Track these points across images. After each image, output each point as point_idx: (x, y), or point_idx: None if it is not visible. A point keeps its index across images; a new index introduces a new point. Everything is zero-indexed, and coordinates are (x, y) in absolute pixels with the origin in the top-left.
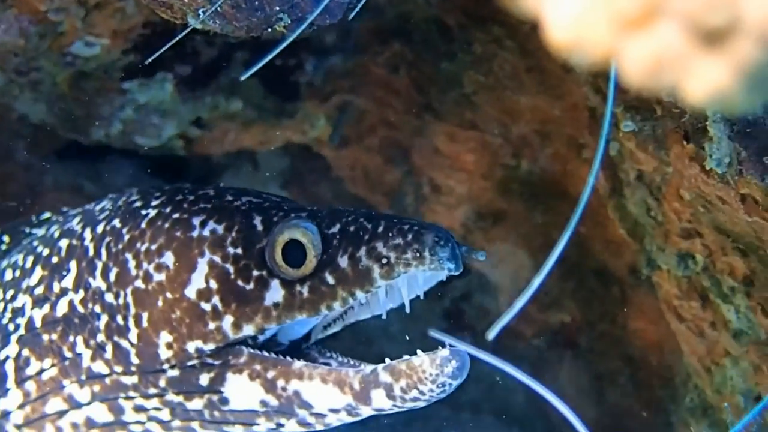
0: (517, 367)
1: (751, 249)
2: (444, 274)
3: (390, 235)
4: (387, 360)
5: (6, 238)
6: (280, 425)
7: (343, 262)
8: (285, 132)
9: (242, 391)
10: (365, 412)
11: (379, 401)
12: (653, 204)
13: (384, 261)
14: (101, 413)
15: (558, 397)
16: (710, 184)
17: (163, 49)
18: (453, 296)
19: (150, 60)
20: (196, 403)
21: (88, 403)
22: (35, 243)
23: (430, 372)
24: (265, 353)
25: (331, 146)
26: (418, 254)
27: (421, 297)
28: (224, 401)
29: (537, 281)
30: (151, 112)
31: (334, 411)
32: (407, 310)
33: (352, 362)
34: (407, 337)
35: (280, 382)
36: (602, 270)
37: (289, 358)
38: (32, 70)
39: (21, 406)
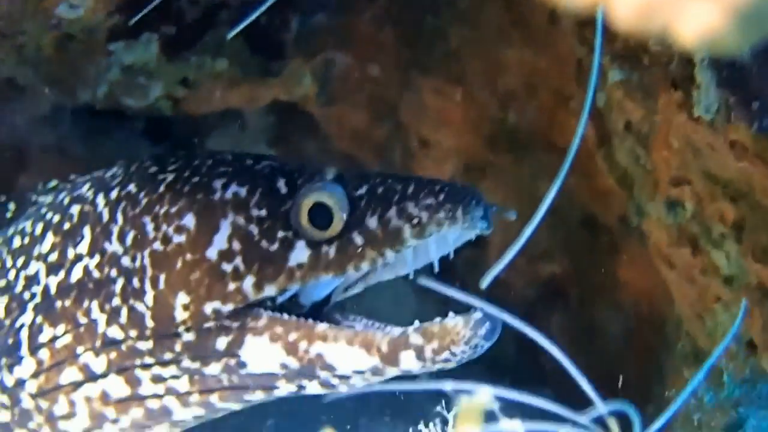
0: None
1: (740, 195)
2: (475, 234)
3: (421, 195)
4: (417, 322)
5: (12, 206)
6: (301, 387)
7: (372, 222)
8: (271, 90)
9: (261, 353)
10: (391, 373)
11: (408, 363)
12: (642, 153)
13: (415, 221)
14: (118, 386)
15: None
16: (699, 131)
17: (148, 9)
18: None
19: (135, 21)
20: (214, 368)
21: (105, 375)
22: (43, 210)
23: (464, 333)
24: (285, 316)
25: (317, 104)
26: (450, 213)
27: (451, 256)
28: (242, 365)
29: (529, 230)
30: (138, 73)
31: (359, 372)
32: (435, 269)
33: (377, 325)
34: (396, 292)
35: (303, 345)
36: (592, 220)
37: (311, 321)
38: (17, 34)
39: (35, 375)
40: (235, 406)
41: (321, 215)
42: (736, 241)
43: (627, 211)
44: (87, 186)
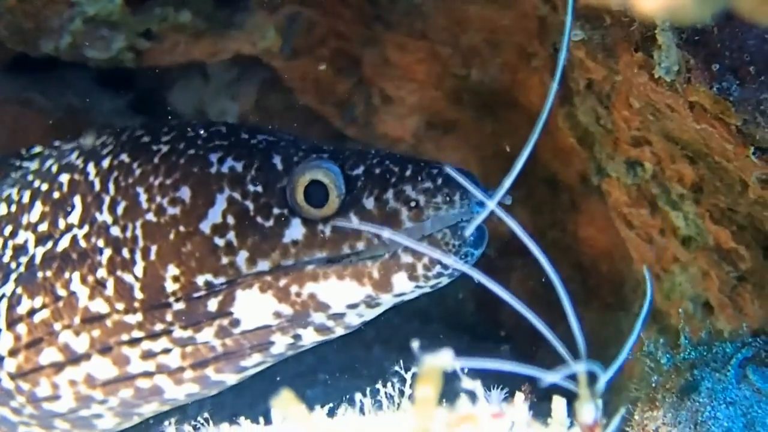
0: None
1: (699, 156)
2: (470, 217)
3: (419, 178)
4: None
5: None
6: (297, 337)
7: (369, 203)
8: (235, 43)
9: (254, 305)
10: (386, 300)
11: (401, 285)
12: (603, 112)
13: (413, 204)
14: (104, 368)
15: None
16: (659, 92)
17: None
18: None
19: None
20: (207, 333)
21: (87, 356)
22: (30, 177)
23: (453, 243)
24: None
25: (281, 57)
26: (448, 198)
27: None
28: (236, 323)
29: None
30: (101, 24)
31: (353, 306)
32: None
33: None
34: None
35: (294, 288)
36: (552, 178)
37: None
38: None
39: (13, 353)
40: (231, 379)
41: (317, 193)
42: (695, 202)
43: (587, 169)
44: (75, 154)
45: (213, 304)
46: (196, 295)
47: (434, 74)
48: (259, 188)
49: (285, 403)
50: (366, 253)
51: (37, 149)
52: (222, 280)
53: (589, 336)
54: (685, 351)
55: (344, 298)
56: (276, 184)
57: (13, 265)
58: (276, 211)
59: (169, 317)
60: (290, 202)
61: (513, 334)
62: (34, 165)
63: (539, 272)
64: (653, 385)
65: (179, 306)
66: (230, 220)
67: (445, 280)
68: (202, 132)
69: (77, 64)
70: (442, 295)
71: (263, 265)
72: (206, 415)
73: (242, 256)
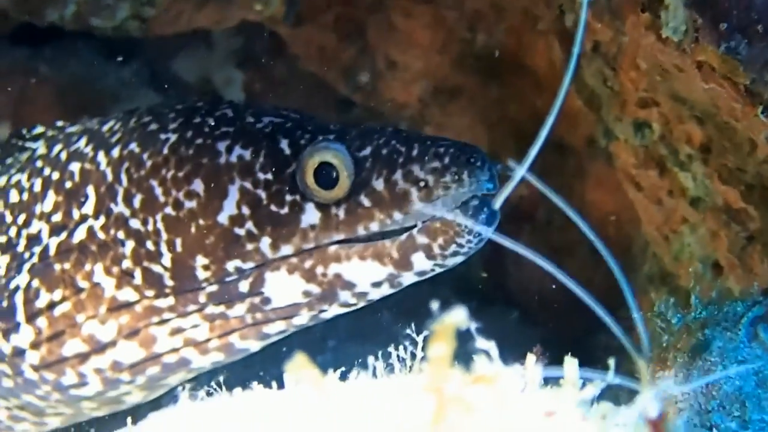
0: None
1: (707, 116)
2: (480, 194)
3: (426, 158)
4: (419, 223)
5: None
6: (322, 311)
7: (379, 185)
8: (239, 11)
9: (283, 286)
10: (407, 278)
11: (421, 263)
12: (610, 74)
13: (422, 184)
14: (130, 352)
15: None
16: (666, 52)
17: None
18: None
19: None
20: (239, 309)
21: (113, 342)
22: (39, 163)
23: (465, 223)
24: None
25: (285, 24)
26: (456, 177)
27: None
28: (267, 301)
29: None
30: None
31: (377, 285)
32: None
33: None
34: None
35: (319, 269)
36: (559, 142)
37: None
38: None
39: (35, 346)
40: (254, 345)
41: (326, 175)
42: (703, 162)
43: (594, 132)
44: (84, 140)
45: (244, 286)
46: (228, 279)
47: (439, 39)
48: (269, 176)
49: (298, 368)
50: (377, 236)
51: (40, 129)
52: (251, 264)
53: (598, 299)
54: (696, 311)
55: (368, 277)
56: (285, 169)
57: (27, 254)
58: (288, 197)
59: (202, 299)
60: (301, 187)
61: (521, 300)
62: (40, 148)
63: (547, 238)
64: (664, 345)
65: (212, 288)
66: (245, 210)
67: (461, 258)
68: (208, 118)
69: (82, 33)
70: None
71: (286, 249)
72: (220, 379)
73: (265, 242)
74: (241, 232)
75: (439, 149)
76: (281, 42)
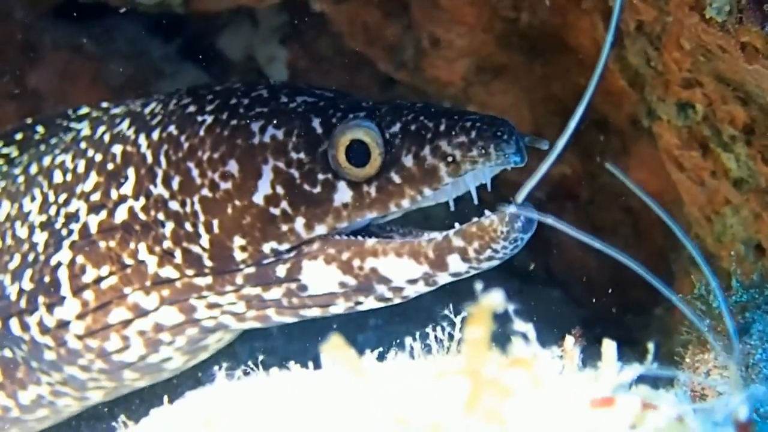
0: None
1: (751, 97)
2: (510, 167)
3: (453, 133)
4: (456, 225)
5: (40, 129)
6: (358, 303)
7: (408, 161)
8: None
9: (320, 275)
10: (442, 279)
11: (456, 266)
12: (653, 54)
13: (450, 159)
14: (171, 316)
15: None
16: (710, 32)
17: None
18: None
19: None
20: (275, 293)
21: (156, 309)
22: (83, 145)
23: (502, 230)
24: (336, 237)
25: (330, 1)
26: (483, 151)
27: (489, 188)
28: (303, 288)
29: (561, 143)
30: None
31: (412, 282)
32: (475, 201)
33: (414, 232)
34: None
35: (356, 262)
36: (603, 121)
37: (360, 238)
38: None
39: (80, 316)
40: (290, 319)
41: (358, 153)
42: (746, 143)
43: (638, 112)
44: (126, 123)
45: (282, 271)
46: (265, 261)
47: (484, 17)
48: (302, 155)
49: (334, 348)
50: (412, 233)
51: (85, 110)
52: (286, 246)
53: (640, 280)
54: (737, 293)
55: (404, 274)
56: (317, 148)
57: (64, 231)
58: (321, 176)
59: (239, 280)
60: (333, 166)
61: (563, 278)
62: (85, 129)
63: (590, 217)
64: (705, 329)
65: (250, 270)
66: (279, 190)
67: (496, 263)
68: (243, 99)
69: (127, 10)
70: None
71: (320, 228)
72: (259, 359)
73: (299, 222)
74: (276, 212)
75: (465, 123)
76: (325, 19)
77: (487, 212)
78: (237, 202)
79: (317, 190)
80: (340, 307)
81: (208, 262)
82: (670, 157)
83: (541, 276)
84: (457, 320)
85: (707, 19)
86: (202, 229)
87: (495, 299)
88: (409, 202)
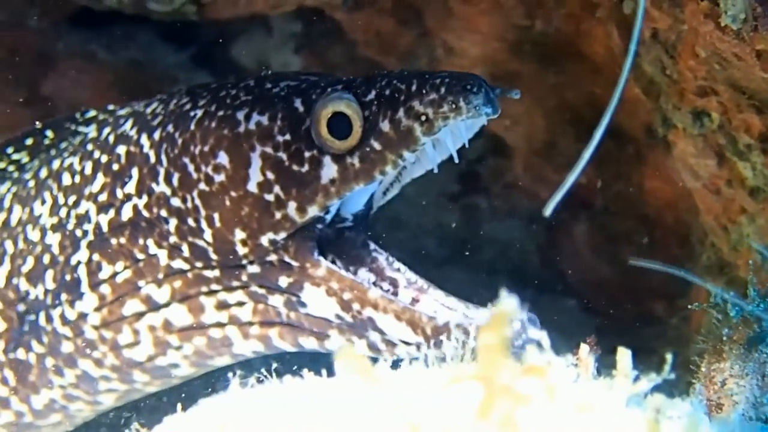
0: (532, 227)
1: (766, 105)
2: (483, 119)
3: (423, 91)
4: (460, 310)
5: (50, 133)
6: (350, 342)
7: (385, 126)
8: None
9: (319, 301)
10: (434, 353)
11: (449, 349)
12: (668, 62)
13: (423, 118)
14: (180, 315)
15: (575, 257)
16: (725, 40)
17: None
18: (468, 158)
19: None
20: (277, 299)
21: (167, 304)
22: (89, 147)
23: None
24: (343, 272)
25: (343, 9)
26: (453, 105)
27: (466, 145)
28: (302, 304)
29: (587, 154)
30: None
31: (406, 343)
32: (456, 160)
33: (420, 282)
34: (423, 202)
35: (356, 306)
36: (617, 130)
37: (365, 283)
38: None
39: (98, 309)
40: (290, 348)
41: (340, 125)
42: (762, 152)
43: (653, 120)
44: (130, 123)
45: (284, 281)
46: (267, 258)
47: (497, 25)
48: (288, 136)
49: (347, 356)
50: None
51: (92, 113)
52: (283, 235)
53: (655, 289)
54: (754, 302)
55: (398, 335)
56: (301, 127)
57: (79, 233)
58: (307, 154)
59: (245, 277)
60: (317, 142)
61: (578, 288)
62: (92, 132)
63: (605, 225)
64: (724, 338)
65: (254, 269)
66: (270, 174)
67: None
68: (231, 90)
69: (140, 17)
70: (506, 248)
71: (312, 210)
72: (273, 366)
73: (291, 206)
74: (270, 197)
75: (435, 81)
76: (339, 27)
77: (491, 308)
78: (233, 193)
79: (305, 168)
80: (334, 341)
81: (213, 256)
82: (685, 166)
83: (556, 285)
84: (471, 328)
85: (722, 27)
86: (204, 224)
87: (509, 305)
88: (392, 167)
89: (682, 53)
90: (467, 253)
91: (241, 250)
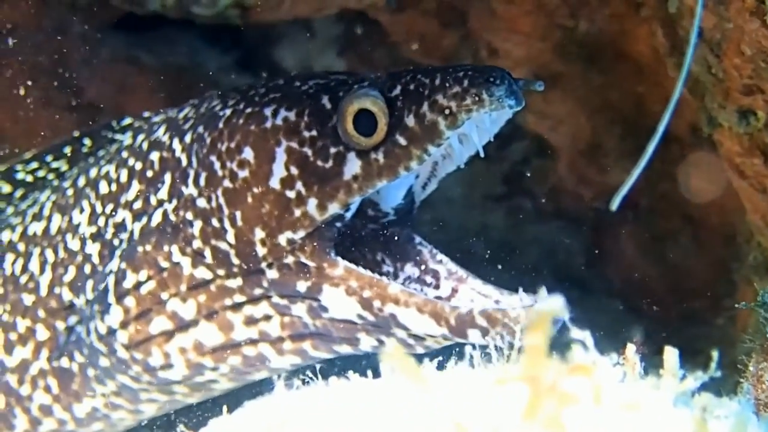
0: (577, 228)
1: None
2: (508, 112)
3: (447, 85)
4: (482, 297)
5: (87, 141)
6: (381, 342)
7: (410, 121)
8: None
9: (339, 303)
10: (461, 341)
11: (474, 338)
12: (713, 61)
13: (447, 111)
14: (211, 334)
15: (620, 258)
16: None
17: None
18: (512, 160)
19: None
20: (299, 308)
21: (195, 322)
22: (124, 154)
23: (525, 326)
24: (361, 270)
25: (387, 11)
26: (477, 98)
27: (492, 139)
28: (324, 309)
29: (651, 148)
30: None
31: (432, 336)
32: (481, 154)
33: (459, 273)
34: (467, 201)
35: (376, 303)
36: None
37: (384, 279)
38: None
39: (124, 325)
40: (328, 356)
41: (365, 122)
42: None
43: (698, 119)
44: (162, 129)
45: (303, 286)
46: (285, 260)
47: (541, 26)
48: (314, 132)
49: (394, 357)
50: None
51: (128, 120)
52: (301, 233)
53: (701, 289)
54: None
55: (422, 329)
56: (327, 123)
57: (116, 242)
58: (332, 150)
59: (265, 284)
60: (343, 138)
61: (622, 289)
62: (127, 140)
63: (650, 226)
64: None
65: (273, 273)
66: (294, 170)
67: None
68: (261, 89)
69: (184, 21)
70: (552, 250)
71: (333, 208)
72: (318, 368)
73: (312, 203)
74: (291, 194)
75: (458, 74)
76: (382, 29)
77: (521, 292)
78: (255, 190)
79: (329, 164)
80: (365, 344)
81: (235, 260)
82: (731, 165)
83: (600, 286)
84: (517, 329)
85: None
86: (227, 224)
87: (555, 305)
88: (416, 162)
89: (728, 51)
90: (511, 255)
91: (261, 251)
